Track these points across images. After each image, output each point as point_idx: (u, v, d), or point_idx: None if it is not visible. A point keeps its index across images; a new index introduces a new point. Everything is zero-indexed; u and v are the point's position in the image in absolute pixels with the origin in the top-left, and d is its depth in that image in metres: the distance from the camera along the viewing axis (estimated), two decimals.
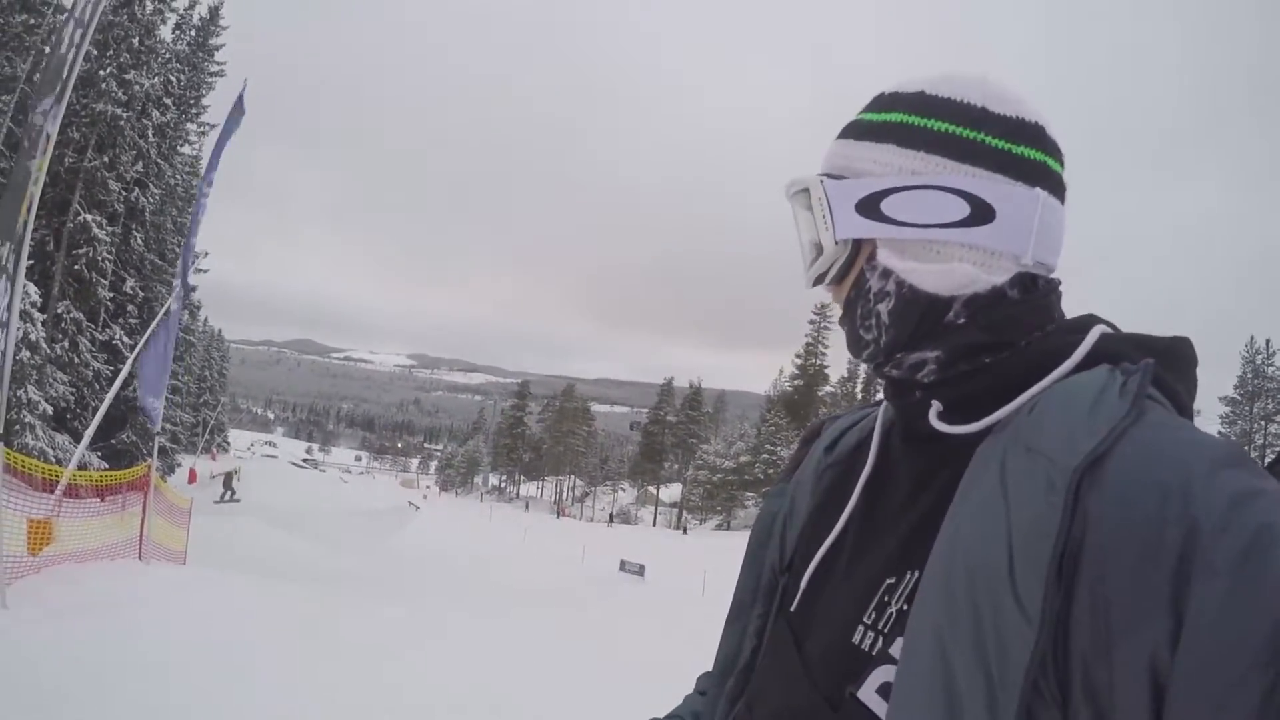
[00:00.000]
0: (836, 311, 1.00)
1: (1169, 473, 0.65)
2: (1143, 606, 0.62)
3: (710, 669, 1.16)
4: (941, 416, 0.88)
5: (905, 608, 0.79)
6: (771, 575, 1.06)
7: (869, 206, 0.90)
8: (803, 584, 0.97)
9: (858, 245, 0.93)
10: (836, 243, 0.93)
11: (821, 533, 0.98)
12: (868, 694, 0.80)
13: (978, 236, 0.86)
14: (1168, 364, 0.79)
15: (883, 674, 0.79)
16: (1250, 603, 0.58)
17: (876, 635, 0.82)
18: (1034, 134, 0.88)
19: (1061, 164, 0.90)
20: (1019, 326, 0.87)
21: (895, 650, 0.78)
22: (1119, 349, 0.81)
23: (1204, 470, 0.65)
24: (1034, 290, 0.88)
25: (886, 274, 0.90)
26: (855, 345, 0.96)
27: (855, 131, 0.95)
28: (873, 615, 0.83)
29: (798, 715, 0.89)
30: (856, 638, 0.84)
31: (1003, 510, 0.72)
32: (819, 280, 0.98)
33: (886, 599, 0.83)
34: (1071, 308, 0.92)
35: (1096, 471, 0.68)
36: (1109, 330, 0.85)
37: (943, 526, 0.78)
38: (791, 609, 0.98)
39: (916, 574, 0.80)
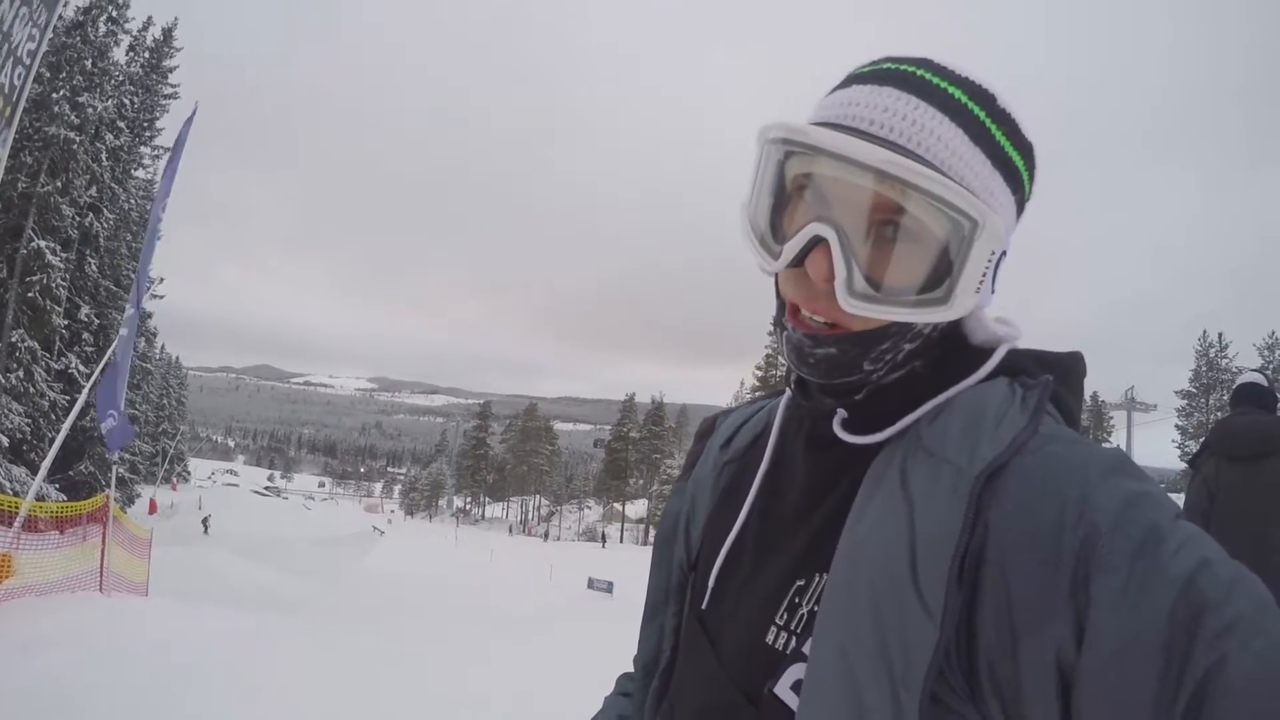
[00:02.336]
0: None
1: (1066, 481, 0.70)
2: (1047, 604, 0.66)
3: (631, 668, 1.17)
4: (846, 425, 0.88)
5: (815, 609, 0.81)
6: (680, 574, 1.06)
7: (994, 278, 0.83)
8: (710, 582, 0.98)
9: None
10: (973, 297, 0.80)
11: (724, 530, 0.99)
12: (783, 690, 0.81)
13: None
14: (1061, 378, 0.84)
15: (796, 671, 0.80)
16: (1145, 592, 0.63)
17: (790, 635, 0.83)
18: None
19: None
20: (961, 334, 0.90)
21: (808, 649, 0.79)
22: (1019, 363, 0.86)
23: (1096, 478, 0.70)
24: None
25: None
26: (839, 368, 0.83)
27: (974, 130, 0.80)
28: (784, 616, 0.85)
29: (720, 712, 0.89)
30: (770, 637, 0.85)
31: (905, 512, 0.75)
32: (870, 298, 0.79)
33: (797, 600, 0.84)
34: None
35: (997, 479, 0.72)
36: (1014, 346, 0.88)
37: (844, 530, 0.80)
38: (702, 607, 0.98)
39: (824, 576, 0.81)
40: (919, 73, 0.82)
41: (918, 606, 0.70)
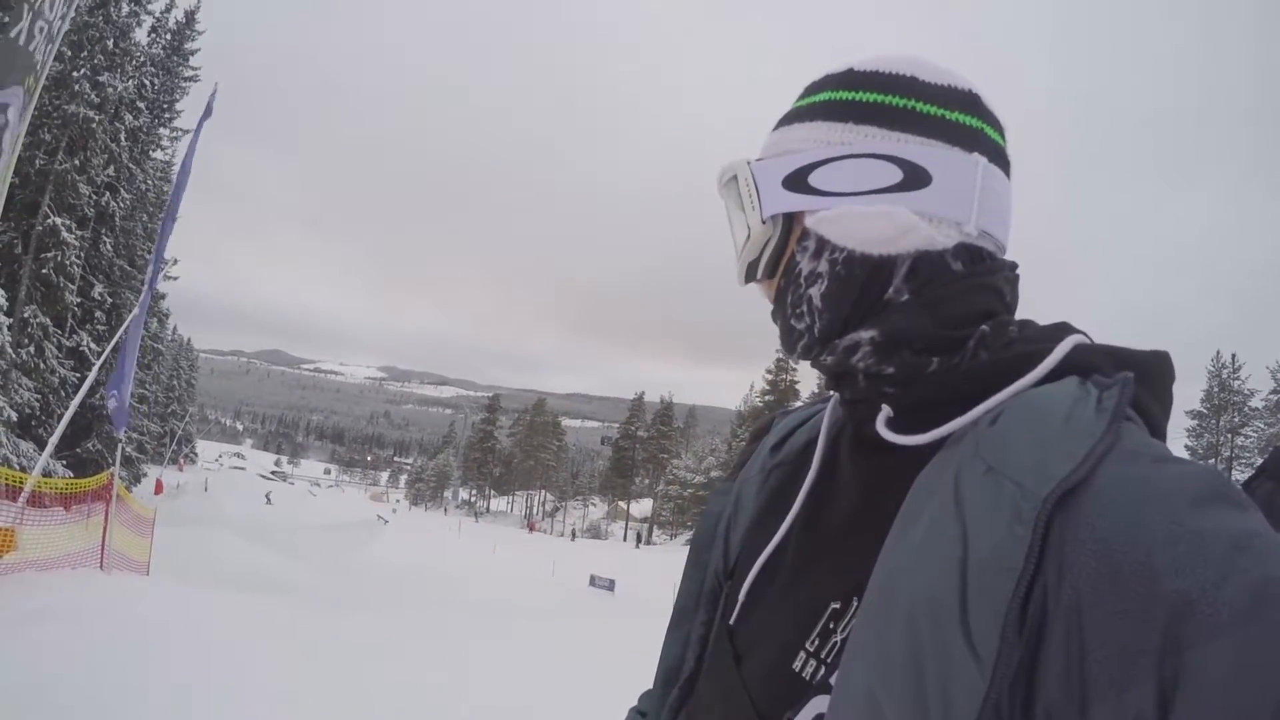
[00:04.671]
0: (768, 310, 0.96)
1: (1159, 512, 0.58)
2: (1128, 666, 0.54)
3: (652, 686, 1.11)
4: (891, 424, 0.81)
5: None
6: (715, 580, 1.00)
7: (796, 181, 0.86)
8: (741, 596, 0.91)
9: (788, 228, 0.89)
10: (764, 221, 0.89)
11: (764, 539, 0.92)
12: None
13: (914, 200, 0.80)
14: (1144, 380, 0.71)
15: (820, 704, 0.74)
16: (1259, 666, 0.50)
17: (819, 664, 0.77)
18: (968, 100, 0.84)
19: (1002, 136, 0.87)
20: (966, 306, 0.81)
21: (835, 680, 0.72)
22: (1091, 360, 0.74)
23: (1197, 510, 0.57)
24: (979, 264, 0.83)
25: (819, 251, 0.85)
26: (788, 338, 0.90)
27: (786, 119, 0.92)
28: (815, 642, 0.78)
29: None
30: (798, 664, 0.78)
31: (958, 538, 0.65)
32: (750, 273, 0.93)
33: (831, 625, 0.77)
34: (1065, 312, 0.84)
35: (1072, 503, 0.61)
36: (1084, 340, 0.77)
37: (882, 551, 0.71)
38: (732, 620, 0.92)
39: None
40: (794, 105, 0.93)
41: (965, 651, 0.60)
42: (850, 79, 0.87)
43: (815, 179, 0.85)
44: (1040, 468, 0.63)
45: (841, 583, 0.78)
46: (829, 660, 0.76)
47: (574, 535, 78.18)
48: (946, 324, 0.80)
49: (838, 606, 0.77)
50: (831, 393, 0.94)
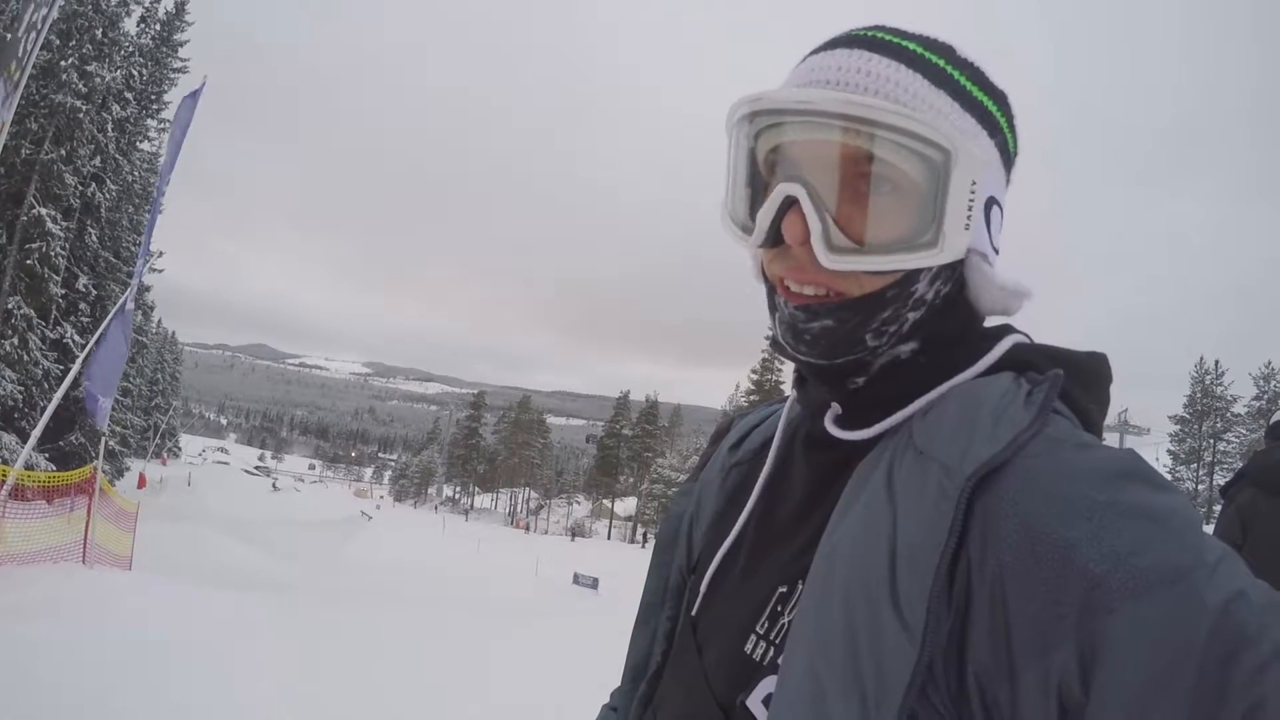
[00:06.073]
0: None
1: (1076, 488, 0.62)
2: (1050, 631, 0.58)
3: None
4: (839, 421, 0.83)
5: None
6: (679, 577, 1.04)
7: (985, 211, 0.79)
8: (702, 588, 0.94)
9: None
10: (966, 251, 0.78)
11: (723, 534, 0.95)
12: (754, 703, 0.76)
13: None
14: (1079, 378, 0.76)
15: (769, 684, 0.76)
16: (1172, 625, 0.55)
17: (769, 645, 0.79)
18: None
19: None
20: (970, 314, 0.84)
21: (782, 659, 0.74)
22: (1028, 358, 0.78)
23: (1113, 486, 0.62)
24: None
25: (942, 283, 0.80)
26: (839, 342, 0.79)
27: (935, 75, 0.77)
28: (765, 625, 0.80)
29: None
30: (749, 646, 0.80)
31: (888, 517, 0.69)
32: (838, 249, 0.75)
33: (779, 609, 0.80)
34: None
35: (993, 483, 0.64)
36: (1023, 340, 0.82)
37: (823, 536, 0.75)
38: (693, 612, 0.95)
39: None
40: (871, 33, 0.80)
41: (895, 622, 0.63)
42: (992, 91, 0.81)
43: (993, 215, 0.80)
44: (966, 450, 0.67)
45: (788, 568, 0.81)
46: (777, 642, 0.78)
47: (573, 536, 77.52)
48: (948, 334, 0.83)
49: (784, 590, 0.80)
50: (791, 391, 0.96)
